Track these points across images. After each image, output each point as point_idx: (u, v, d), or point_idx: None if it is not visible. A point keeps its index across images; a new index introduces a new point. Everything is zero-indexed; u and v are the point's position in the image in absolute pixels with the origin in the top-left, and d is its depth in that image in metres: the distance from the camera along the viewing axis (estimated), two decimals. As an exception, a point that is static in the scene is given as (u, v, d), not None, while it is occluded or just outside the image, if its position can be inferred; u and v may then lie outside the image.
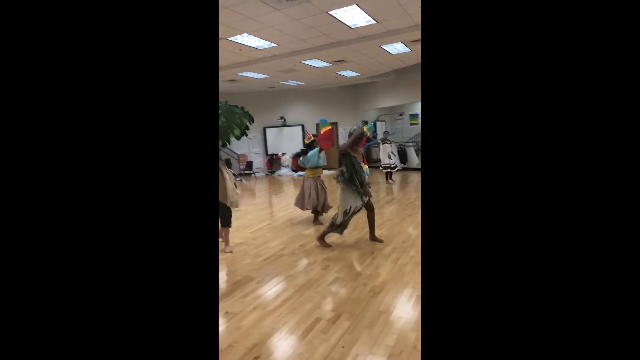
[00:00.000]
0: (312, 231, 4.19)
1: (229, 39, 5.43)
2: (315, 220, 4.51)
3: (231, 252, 3.56)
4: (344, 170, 3.31)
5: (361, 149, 5.59)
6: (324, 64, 7.70)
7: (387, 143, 7.52)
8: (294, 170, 5.88)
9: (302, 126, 11.21)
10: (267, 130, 11.34)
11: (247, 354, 1.86)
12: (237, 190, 3.44)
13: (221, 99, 12.65)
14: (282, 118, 11.28)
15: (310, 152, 4.36)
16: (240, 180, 3.52)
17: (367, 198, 3.41)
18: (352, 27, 5.29)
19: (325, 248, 3.50)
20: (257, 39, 5.56)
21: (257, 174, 10.96)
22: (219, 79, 8.42)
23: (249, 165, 10.52)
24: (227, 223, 3.46)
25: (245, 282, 2.82)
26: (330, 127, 3.90)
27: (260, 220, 4.96)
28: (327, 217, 4.31)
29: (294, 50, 6.40)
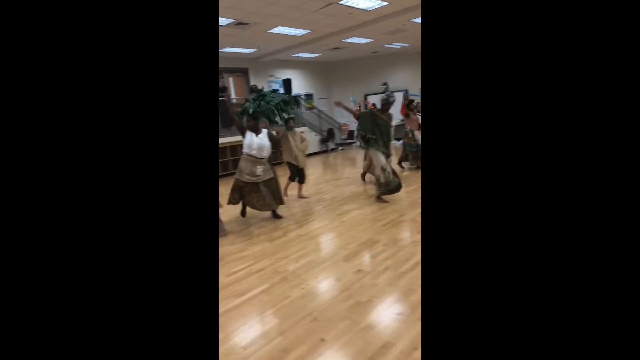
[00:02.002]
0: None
1: (340, 2, 5.35)
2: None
3: (307, 197, 4.66)
4: (362, 132, 4.04)
5: (417, 117, 5.93)
6: (436, 20, 7.05)
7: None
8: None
9: (406, 91, 10.67)
10: (370, 97, 11.13)
11: (388, 309, 1.92)
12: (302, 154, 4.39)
13: (322, 68, 12.64)
14: (384, 84, 10.89)
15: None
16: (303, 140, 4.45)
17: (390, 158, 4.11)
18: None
19: (384, 203, 4.01)
20: (369, -1, 5.35)
21: (358, 143, 11.00)
22: (323, 47, 8.48)
23: (350, 134, 10.58)
24: (301, 180, 4.57)
25: (371, 244, 2.89)
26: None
27: (369, 188, 4.99)
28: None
29: (405, 7, 5.97)
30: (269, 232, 3.45)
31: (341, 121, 11.12)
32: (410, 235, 3.01)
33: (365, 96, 11.13)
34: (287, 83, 9.36)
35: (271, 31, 6.56)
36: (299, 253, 2.85)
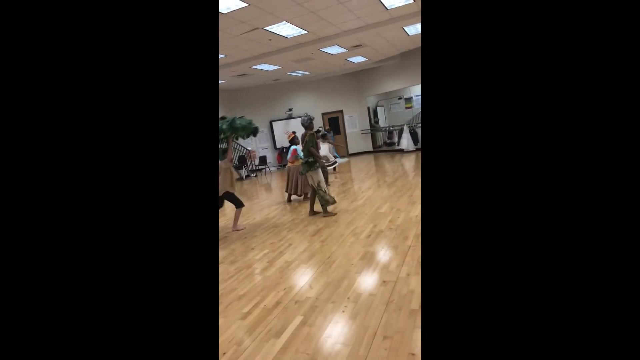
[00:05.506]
0: (386, 208, 4.31)
1: (265, 28, 5.38)
2: (289, 201, 5.72)
3: (244, 228, 4.42)
4: (309, 159, 4.33)
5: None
6: (340, 50, 7.73)
7: (328, 141, 7.48)
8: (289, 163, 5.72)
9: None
10: (274, 123, 11.26)
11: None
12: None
13: (225, 95, 12.08)
14: (290, 110, 11.23)
15: (299, 147, 5.24)
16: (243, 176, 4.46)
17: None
18: (389, 7, 5.38)
19: (332, 216, 4.35)
20: (292, 26, 5.53)
21: (270, 169, 10.90)
22: (232, 74, 8.26)
23: (263, 160, 10.42)
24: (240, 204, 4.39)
25: (371, 256, 2.90)
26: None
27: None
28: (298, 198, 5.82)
29: (321, 37, 6.40)
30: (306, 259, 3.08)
31: (249, 147, 10.88)
32: (398, 243, 3.14)
33: (271, 122, 11.23)
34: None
35: (183, 54, 6.06)
36: (359, 264, 2.64)
